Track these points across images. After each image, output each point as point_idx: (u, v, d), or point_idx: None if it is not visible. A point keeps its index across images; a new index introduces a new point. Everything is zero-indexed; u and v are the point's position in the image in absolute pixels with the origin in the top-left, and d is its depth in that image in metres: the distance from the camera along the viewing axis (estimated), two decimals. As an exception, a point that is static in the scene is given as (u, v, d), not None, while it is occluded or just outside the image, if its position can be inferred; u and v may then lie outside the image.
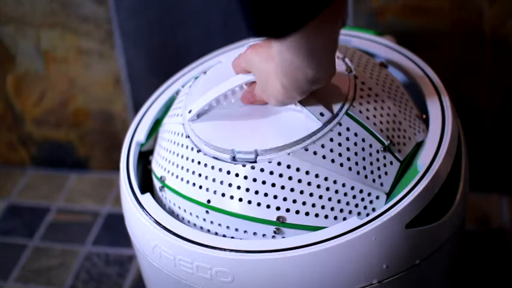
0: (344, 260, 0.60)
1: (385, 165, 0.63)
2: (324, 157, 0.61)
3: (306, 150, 0.61)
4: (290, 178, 0.61)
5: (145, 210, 0.65)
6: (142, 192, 0.68)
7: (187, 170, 0.64)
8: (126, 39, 1.06)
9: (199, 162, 0.64)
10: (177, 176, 0.65)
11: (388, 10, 0.96)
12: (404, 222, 0.60)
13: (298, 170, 0.61)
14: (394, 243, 0.60)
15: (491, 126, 1.03)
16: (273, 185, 0.61)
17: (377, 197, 0.63)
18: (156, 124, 0.75)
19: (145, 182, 0.72)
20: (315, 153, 0.61)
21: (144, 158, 0.73)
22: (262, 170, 0.61)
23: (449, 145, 0.65)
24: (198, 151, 0.64)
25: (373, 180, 0.63)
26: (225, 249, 0.60)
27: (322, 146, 0.61)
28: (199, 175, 0.63)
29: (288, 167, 0.61)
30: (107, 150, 1.19)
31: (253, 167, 0.61)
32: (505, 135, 1.03)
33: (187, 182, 0.64)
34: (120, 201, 0.70)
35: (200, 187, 0.63)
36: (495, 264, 0.98)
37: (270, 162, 0.61)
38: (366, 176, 0.62)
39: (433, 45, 0.98)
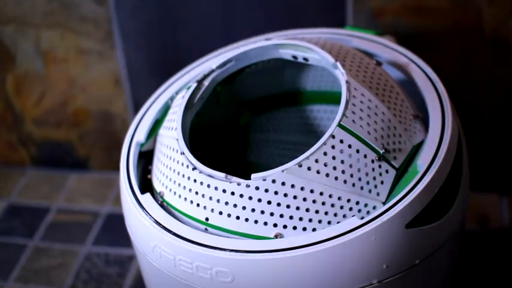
0: (344, 260, 0.60)
1: (380, 174, 0.63)
2: (318, 172, 0.61)
3: (300, 166, 0.61)
4: (285, 195, 0.61)
5: (145, 210, 0.65)
6: (142, 192, 0.68)
7: (184, 187, 0.64)
8: (126, 39, 1.06)
9: (195, 180, 0.63)
10: (174, 193, 0.65)
11: (388, 10, 0.96)
12: (404, 222, 0.60)
13: (293, 186, 0.61)
14: (394, 243, 0.60)
15: (491, 126, 1.03)
16: (269, 202, 0.61)
17: (374, 207, 0.62)
18: (156, 124, 0.75)
19: (145, 182, 0.72)
20: (309, 168, 0.61)
21: (144, 158, 0.73)
22: (257, 188, 0.61)
23: (449, 145, 0.65)
24: (194, 169, 0.64)
25: (369, 191, 0.62)
26: (225, 249, 0.60)
27: (316, 161, 0.61)
28: (196, 193, 0.63)
29: (283, 184, 0.61)
30: (107, 150, 1.19)
31: (248, 185, 0.61)
32: (505, 135, 1.03)
33: (185, 199, 0.64)
34: (120, 201, 0.70)
35: (198, 205, 0.63)
36: (495, 264, 0.98)
37: (264, 180, 0.61)
38: (361, 188, 0.62)
39: (433, 45, 0.97)
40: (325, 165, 0.61)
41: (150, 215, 0.65)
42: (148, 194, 0.67)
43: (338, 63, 0.67)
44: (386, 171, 0.63)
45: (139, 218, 0.65)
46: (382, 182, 0.63)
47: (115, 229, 1.11)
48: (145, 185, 0.71)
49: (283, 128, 0.87)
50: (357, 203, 0.62)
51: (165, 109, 0.75)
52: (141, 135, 0.73)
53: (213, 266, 0.61)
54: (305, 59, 0.70)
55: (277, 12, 1.00)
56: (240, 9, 1.00)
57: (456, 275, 0.74)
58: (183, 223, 0.64)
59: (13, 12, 1.08)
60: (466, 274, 0.96)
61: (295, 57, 0.71)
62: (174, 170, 0.65)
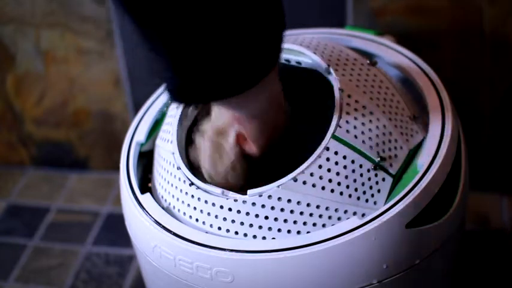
0: (344, 260, 0.60)
1: (377, 183, 0.62)
2: (313, 185, 0.61)
3: (295, 180, 0.60)
4: (282, 210, 0.61)
5: (145, 210, 0.65)
6: (142, 192, 0.67)
7: (183, 202, 0.64)
8: (126, 39, 1.06)
9: (192, 196, 0.63)
10: (174, 207, 0.65)
11: (388, 10, 0.96)
12: (404, 222, 0.60)
13: (289, 201, 0.61)
14: (394, 243, 0.60)
15: (491, 126, 1.03)
16: (266, 217, 0.61)
17: None
18: (156, 124, 0.75)
19: (145, 182, 0.72)
20: (304, 182, 0.60)
21: (144, 157, 0.73)
22: (253, 204, 0.61)
23: (449, 145, 0.65)
24: (191, 184, 0.63)
25: (366, 201, 0.62)
26: (225, 249, 0.60)
27: (311, 175, 0.61)
28: (195, 208, 0.63)
29: (279, 199, 0.61)
30: (107, 150, 1.19)
31: (244, 201, 0.61)
32: (505, 135, 1.03)
33: (184, 213, 0.64)
34: (120, 201, 0.70)
35: (197, 220, 0.63)
36: (495, 264, 0.98)
37: (260, 195, 0.61)
38: (358, 198, 0.62)
39: (433, 45, 0.97)
40: (321, 178, 0.61)
41: (150, 215, 0.65)
42: (148, 194, 0.67)
43: (331, 69, 0.65)
44: (383, 179, 0.63)
45: (139, 218, 0.65)
46: (379, 191, 0.62)
47: (115, 229, 1.11)
48: (146, 185, 0.71)
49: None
50: (354, 213, 0.61)
51: (165, 110, 0.75)
52: (141, 135, 0.73)
53: (213, 266, 0.61)
54: (298, 62, 0.69)
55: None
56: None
57: (456, 275, 0.74)
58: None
59: (13, 12, 1.08)
60: (466, 274, 0.96)
61: (288, 60, 0.70)
62: (173, 184, 0.65)
